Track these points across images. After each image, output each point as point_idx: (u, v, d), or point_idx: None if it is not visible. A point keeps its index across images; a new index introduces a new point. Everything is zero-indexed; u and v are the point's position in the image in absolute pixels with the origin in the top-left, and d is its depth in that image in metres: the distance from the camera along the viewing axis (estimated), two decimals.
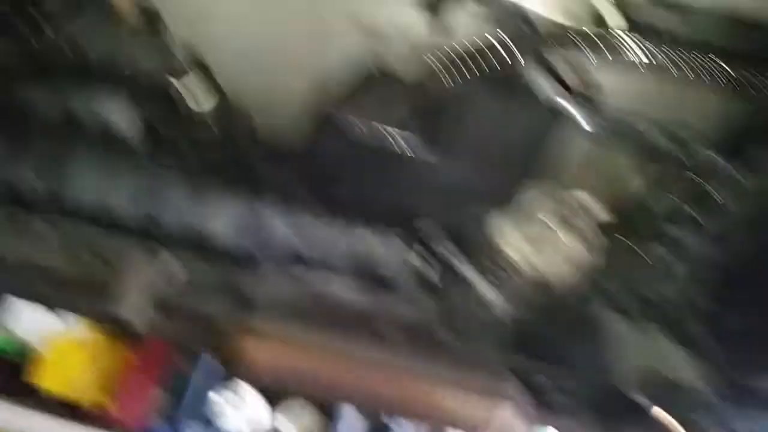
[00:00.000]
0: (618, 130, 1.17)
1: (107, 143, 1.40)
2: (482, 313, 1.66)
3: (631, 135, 1.19)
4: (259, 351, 1.58)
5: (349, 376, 1.60)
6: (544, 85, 1.10)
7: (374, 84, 1.21)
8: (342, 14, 1.19)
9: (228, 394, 1.99)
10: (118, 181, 1.47)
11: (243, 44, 1.31)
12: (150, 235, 1.54)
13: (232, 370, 1.72)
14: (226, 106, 1.30)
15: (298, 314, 1.75)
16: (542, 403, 2.25)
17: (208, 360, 2.16)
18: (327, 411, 2.06)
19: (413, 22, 1.16)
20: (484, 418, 1.68)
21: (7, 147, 1.48)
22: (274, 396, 2.06)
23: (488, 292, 1.43)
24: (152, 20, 1.22)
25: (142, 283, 1.62)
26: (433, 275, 1.50)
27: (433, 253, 1.45)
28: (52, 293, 1.80)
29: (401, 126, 1.17)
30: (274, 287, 1.98)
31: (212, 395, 2.03)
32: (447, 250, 1.43)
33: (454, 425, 1.73)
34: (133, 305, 1.59)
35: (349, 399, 1.70)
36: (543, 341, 1.78)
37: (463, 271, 1.40)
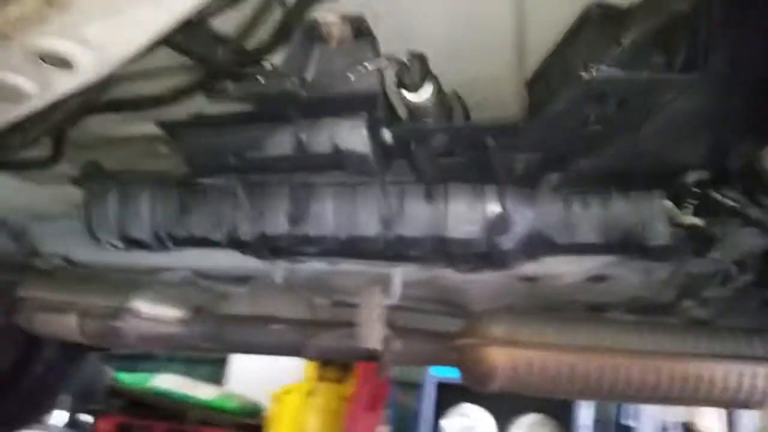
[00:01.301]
0: None
1: (345, 171, 1.41)
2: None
3: None
4: (497, 357, 1.50)
5: (602, 370, 1.46)
6: None
7: (592, 23, 1.09)
8: None
9: (458, 419, 1.93)
10: (362, 209, 1.50)
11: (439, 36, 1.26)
12: (394, 255, 1.53)
13: (472, 382, 1.65)
14: (442, 94, 1.26)
15: (531, 313, 1.65)
16: None
17: (431, 389, 2.18)
18: (564, 423, 1.95)
19: None
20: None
21: (256, 198, 1.56)
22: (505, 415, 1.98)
23: None
24: (362, 33, 1.22)
25: (377, 310, 1.62)
26: (718, 229, 1.32)
27: (713, 206, 1.27)
28: (292, 344, 1.86)
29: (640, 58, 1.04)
30: (502, 289, 1.92)
31: (444, 423, 2.00)
32: (731, 197, 1.25)
33: (741, 404, 1.52)
34: (374, 334, 1.60)
35: (600, 395, 1.54)
36: None
37: (756, 216, 1.22)
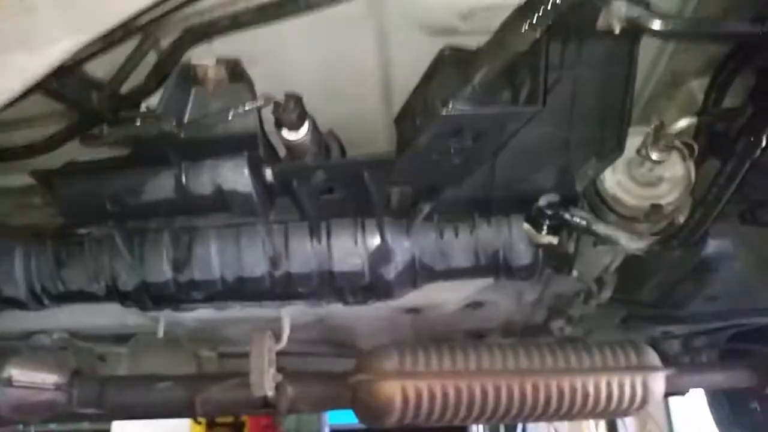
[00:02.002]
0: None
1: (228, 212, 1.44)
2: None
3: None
4: (391, 391, 1.55)
5: (484, 391, 1.55)
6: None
7: (445, 64, 1.22)
8: (401, 19, 1.22)
9: None
10: (247, 249, 1.52)
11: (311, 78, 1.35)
12: (282, 294, 1.56)
13: (369, 419, 1.68)
14: (318, 133, 1.33)
15: (416, 344, 1.70)
16: (684, 365, 2.17)
17: None
18: None
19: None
20: (641, 396, 1.61)
21: (136, 246, 1.54)
22: None
23: (631, 243, 1.38)
24: (237, 75, 1.28)
25: (267, 357, 1.61)
26: (571, 246, 1.47)
27: (565, 225, 1.42)
28: (180, 402, 1.79)
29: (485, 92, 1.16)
30: (388, 324, 1.99)
31: None
32: (578, 216, 1.40)
33: (614, 412, 1.66)
34: (266, 382, 1.58)
35: (486, 415, 1.63)
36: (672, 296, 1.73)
37: (601, 231, 1.37)
